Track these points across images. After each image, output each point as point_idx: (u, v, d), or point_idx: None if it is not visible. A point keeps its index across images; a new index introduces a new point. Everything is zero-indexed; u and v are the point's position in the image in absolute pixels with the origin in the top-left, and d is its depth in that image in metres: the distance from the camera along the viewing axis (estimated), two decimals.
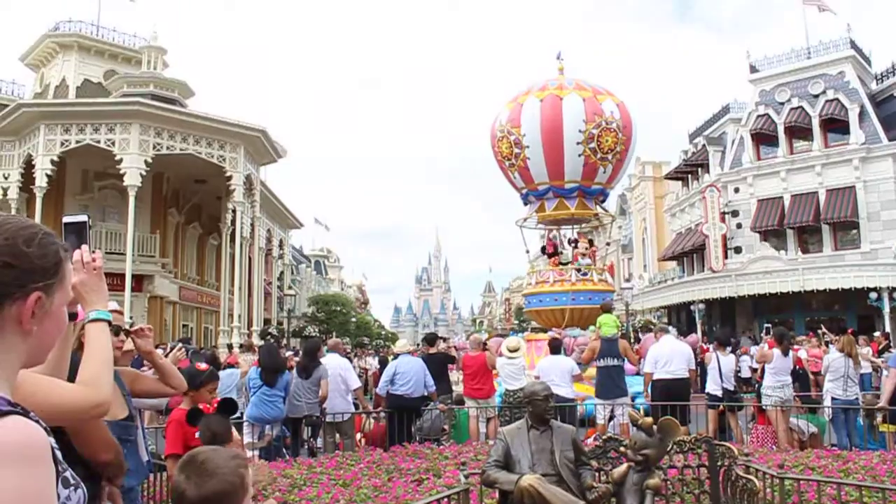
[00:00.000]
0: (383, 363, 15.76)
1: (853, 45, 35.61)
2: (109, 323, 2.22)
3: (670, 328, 13.72)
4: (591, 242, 21.15)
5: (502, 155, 19.25)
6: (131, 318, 22.06)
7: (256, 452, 9.05)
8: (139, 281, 26.42)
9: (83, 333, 3.63)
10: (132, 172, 23.86)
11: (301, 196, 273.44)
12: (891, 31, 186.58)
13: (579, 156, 18.28)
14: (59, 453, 1.35)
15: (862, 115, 33.36)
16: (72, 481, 1.45)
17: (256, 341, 22.08)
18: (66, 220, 2.29)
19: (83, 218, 2.32)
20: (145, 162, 24.22)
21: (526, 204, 20.37)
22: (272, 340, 26.47)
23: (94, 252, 2.22)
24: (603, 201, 20.24)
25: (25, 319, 1.39)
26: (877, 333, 17.99)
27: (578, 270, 19.10)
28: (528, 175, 18.96)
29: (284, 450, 9.94)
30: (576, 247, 20.04)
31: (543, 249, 21.24)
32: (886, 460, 7.14)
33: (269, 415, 9.60)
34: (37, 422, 1.31)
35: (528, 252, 25.23)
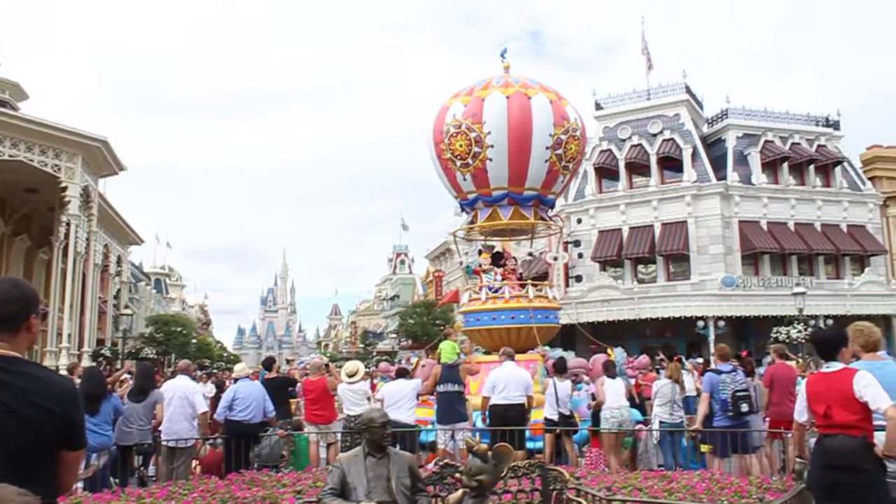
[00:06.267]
0: (220, 388, 15.15)
1: (688, 90, 38.22)
2: None
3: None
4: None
5: (454, 153, 16.65)
6: None
7: (80, 484, 8.44)
8: None
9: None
10: None
11: (143, 212, 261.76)
12: (720, 80, 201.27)
13: (545, 161, 16.42)
14: None
15: (694, 155, 35.73)
16: None
17: (86, 363, 20.84)
18: None
19: None
20: None
21: (465, 211, 18.15)
22: (104, 363, 25.11)
23: None
24: (548, 211, 18.39)
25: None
26: (699, 360, 19.07)
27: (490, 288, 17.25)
28: (485, 178, 16.65)
29: (112, 479, 9.34)
30: (498, 263, 18.10)
31: (498, 256, 18.56)
32: (706, 479, 7.52)
33: (97, 443, 8.98)
34: None
35: (461, 264, 23.78)
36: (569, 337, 35.63)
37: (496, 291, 17.02)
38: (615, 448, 10.95)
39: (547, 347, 15.83)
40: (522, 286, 17.03)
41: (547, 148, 16.27)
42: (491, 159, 16.25)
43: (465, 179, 16.94)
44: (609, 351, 15.57)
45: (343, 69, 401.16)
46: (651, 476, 7.93)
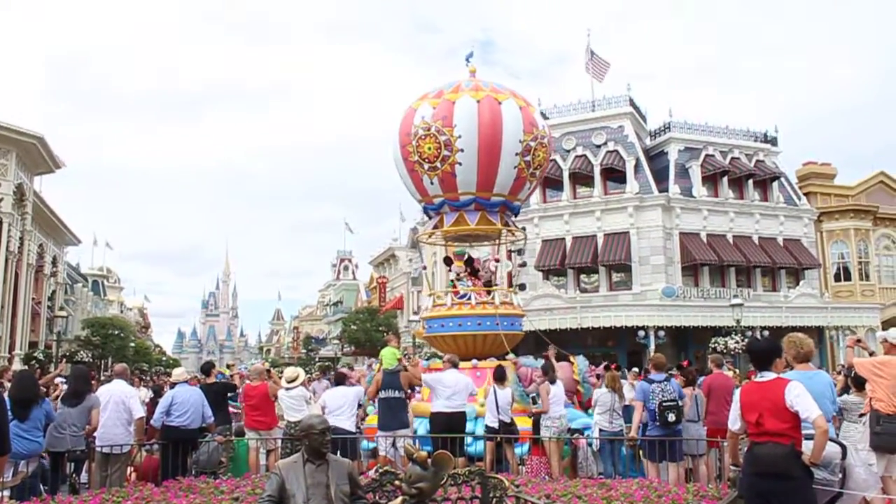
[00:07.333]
0: (157, 392, 14.87)
1: (632, 102, 38.87)
2: None
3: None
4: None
5: (422, 156, 16.18)
6: None
7: (7, 493, 8.17)
8: None
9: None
10: None
11: (83, 212, 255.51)
12: (664, 94, 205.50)
13: (514, 167, 16.17)
14: None
15: (637, 166, 36.31)
16: None
17: (18, 366, 20.26)
18: None
19: None
20: None
21: (429, 215, 17.84)
22: (36, 367, 24.42)
23: None
24: (512, 217, 18.01)
25: None
26: (636, 370, 19.41)
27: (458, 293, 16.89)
28: (453, 182, 16.21)
29: (42, 487, 9.06)
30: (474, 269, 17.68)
31: (447, 261, 18.32)
32: (644, 486, 7.64)
33: (26, 449, 8.70)
34: None
35: (424, 268, 23.58)
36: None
37: (462, 297, 16.69)
38: (557, 455, 11.02)
39: (512, 354, 15.79)
40: (489, 292, 16.80)
41: (516, 154, 16.11)
42: (460, 163, 15.93)
43: (431, 183, 16.52)
44: (572, 359, 15.59)
45: (291, 72, 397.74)
46: (590, 484, 8.03)
